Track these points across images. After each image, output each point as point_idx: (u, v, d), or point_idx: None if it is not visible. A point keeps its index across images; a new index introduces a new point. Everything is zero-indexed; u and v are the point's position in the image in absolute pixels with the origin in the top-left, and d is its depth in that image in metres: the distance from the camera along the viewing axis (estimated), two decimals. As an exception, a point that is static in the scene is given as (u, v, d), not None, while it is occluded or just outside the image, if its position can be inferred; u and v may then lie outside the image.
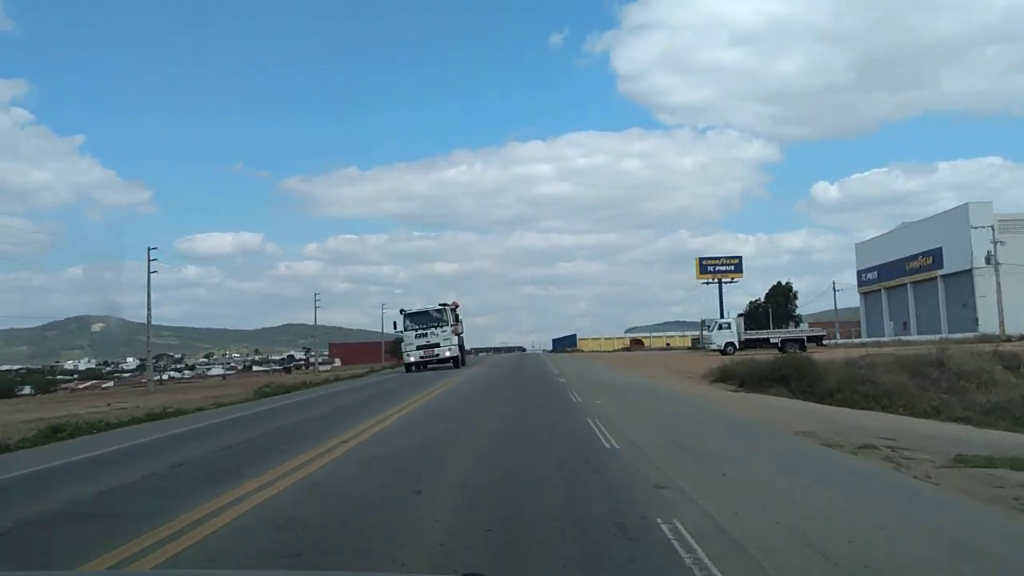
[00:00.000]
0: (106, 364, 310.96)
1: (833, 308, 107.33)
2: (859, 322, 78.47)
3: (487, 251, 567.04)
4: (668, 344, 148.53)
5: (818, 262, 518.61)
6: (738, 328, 50.33)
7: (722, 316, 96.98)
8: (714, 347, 49.81)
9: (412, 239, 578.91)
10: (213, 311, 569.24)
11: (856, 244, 77.64)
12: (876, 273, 72.79)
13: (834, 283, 79.40)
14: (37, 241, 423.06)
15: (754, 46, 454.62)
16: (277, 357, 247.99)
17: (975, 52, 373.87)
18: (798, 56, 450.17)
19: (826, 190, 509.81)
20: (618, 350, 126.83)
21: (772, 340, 48.68)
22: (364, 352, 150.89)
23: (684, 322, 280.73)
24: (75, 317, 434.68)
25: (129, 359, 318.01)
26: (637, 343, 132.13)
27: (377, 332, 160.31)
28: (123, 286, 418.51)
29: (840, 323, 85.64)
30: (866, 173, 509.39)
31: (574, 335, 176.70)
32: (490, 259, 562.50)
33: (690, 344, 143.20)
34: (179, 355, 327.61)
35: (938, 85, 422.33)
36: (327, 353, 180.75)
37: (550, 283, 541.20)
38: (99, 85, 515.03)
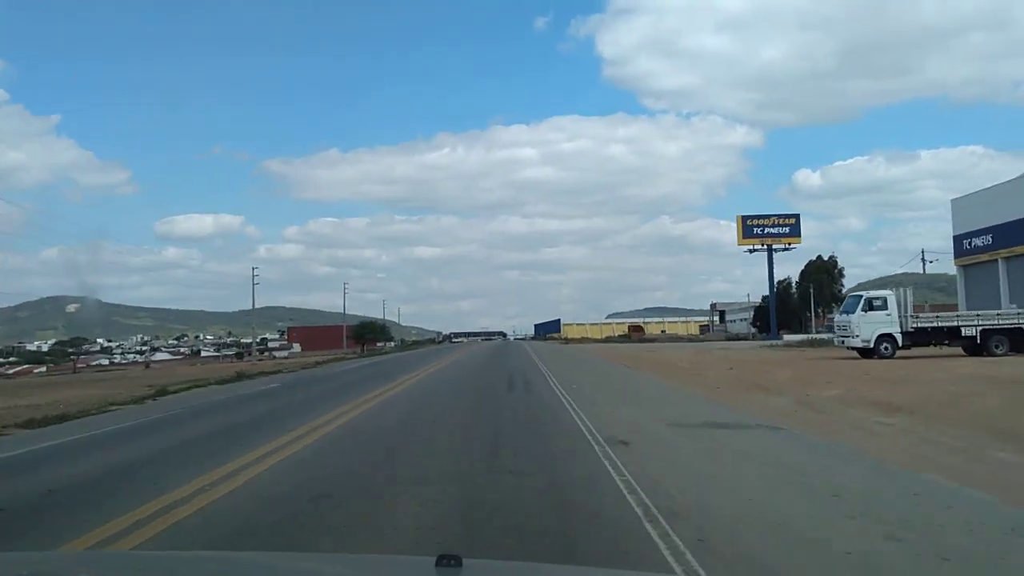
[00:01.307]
0: (70, 345, 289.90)
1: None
2: (955, 305, 56.26)
3: (470, 235, 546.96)
4: (664, 331, 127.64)
5: (801, 249, 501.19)
6: (902, 308, 26.36)
7: (773, 291, 73.24)
8: (858, 343, 26.29)
9: (394, 222, 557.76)
10: (193, 292, 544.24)
11: (952, 200, 55.26)
12: (989, 237, 50.37)
13: (923, 252, 57.89)
14: (12, 221, 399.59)
15: (739, 31, 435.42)
16: (247, 340, 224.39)
17: (959, 39, 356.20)
18: (783, 42, 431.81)
19: (808, 177, 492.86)
20: (614, 338, 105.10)
21: (965, 331, 25.64)
22: (325, 336, 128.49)
23: (666, 308, 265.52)
24: (49, 298, 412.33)
25: (99, 340, 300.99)
26: (637, 330, 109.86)
27: (357, 316, 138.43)
28: (100, 267, 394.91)
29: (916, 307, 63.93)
30: (848, 160, 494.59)
31: (558, 320, 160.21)
32: (473, 243, 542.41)
33: (698, 331, 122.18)
34: (148, 336, 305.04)
35: (922, 72, 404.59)
36: (286, 337, 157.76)
37: (534, 268, 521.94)
38: (76, 66, 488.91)
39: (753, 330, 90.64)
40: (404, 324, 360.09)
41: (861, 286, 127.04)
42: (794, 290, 77.17)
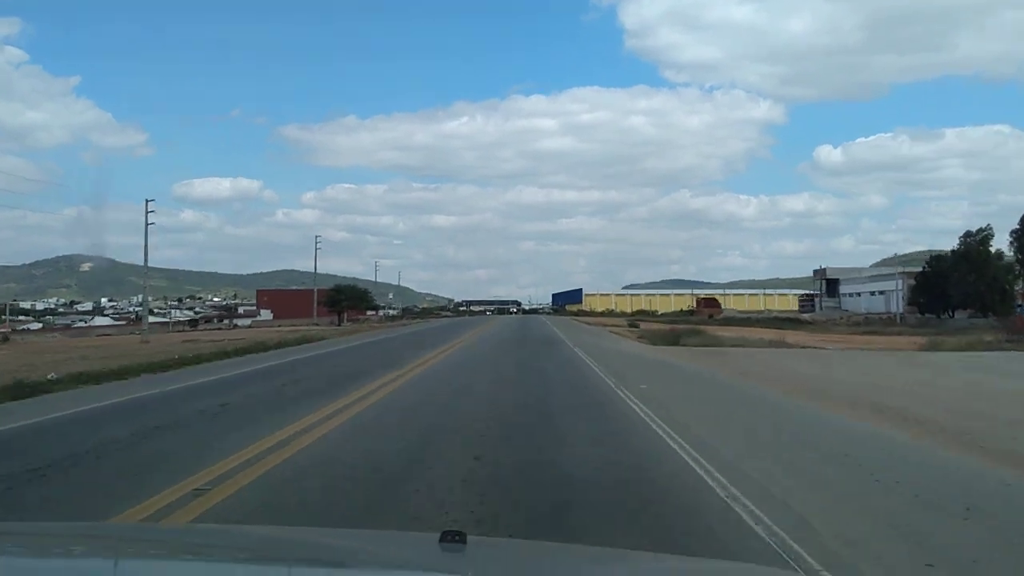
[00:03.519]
0: (70, 304, 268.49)
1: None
2: None
3: (487, 204, 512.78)
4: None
5: (820, 226, 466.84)
6: None
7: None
8: None
9: (411, 190, 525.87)
10: (212, 256, 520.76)
11: None
12: None
13: None
14: (31, 180, 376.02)
15: (764, 2, 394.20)
16: (251, 304, 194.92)
17: (991, 15, 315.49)
18: (808, 14, 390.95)
19: (829, 153, 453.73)
20: (681, 313, 72.37)
21: None
22: (299, 301, 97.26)
23: (682, 280, 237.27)
24: (64, 256, 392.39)
25: (103, 299, 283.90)
26: (711, 304, 75.94)
27: (375, 283, 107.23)
28: (116, 227, 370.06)
29: None
30: (871, 137, 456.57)
31: (579, 290, 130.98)
32: (490, 212, 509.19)
33: (798, 307, 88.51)
34: (153, 297, 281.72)
35: (951, 48, 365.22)
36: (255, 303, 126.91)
37: (549, 239, 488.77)
38: (94, 26, 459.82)
39: (902, 310, 57.04)
40: (419, 291, 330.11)
41: (885, 263, 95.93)
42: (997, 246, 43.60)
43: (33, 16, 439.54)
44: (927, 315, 52.62)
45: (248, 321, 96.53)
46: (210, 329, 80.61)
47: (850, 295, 71.18)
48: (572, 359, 20.10)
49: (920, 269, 52.53)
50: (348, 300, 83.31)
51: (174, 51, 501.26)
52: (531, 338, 32.09)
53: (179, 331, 77.05)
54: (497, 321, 65.22)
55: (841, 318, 57.24)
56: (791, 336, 32.02)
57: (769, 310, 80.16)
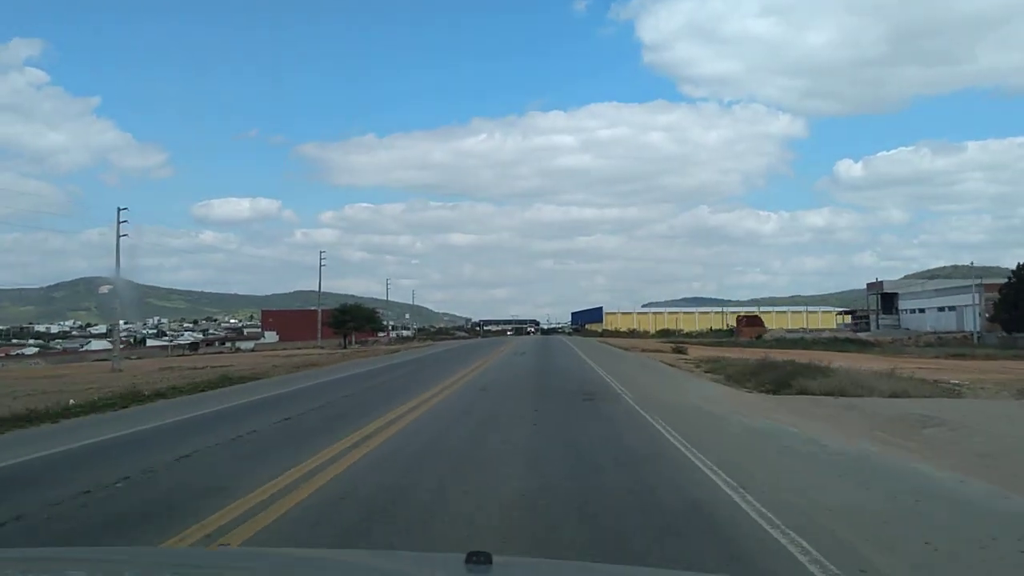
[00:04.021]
0: (84, 327, 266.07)
1: None
2: None
3: (505, 223, 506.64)
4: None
5: (841, 241, 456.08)
6: None
7: None
8: None
9: (429, 209, 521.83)
10: (232, 277, 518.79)
11: None
12: None
13: None
14: (53, 202, 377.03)
15: (784, 16, 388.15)
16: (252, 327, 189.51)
17: (1014, 26, 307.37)
18: (830, 27, 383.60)
19: (850, 168, 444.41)
20: (712, 332, 64.87)
21: None
22: (303, 323, 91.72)
23: (702, 298, 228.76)
24: (83, 278, 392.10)
25: (121, 322, 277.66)
26: (754, 323, 67.99)
27: (386, 301, 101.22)
28: (136, 249, 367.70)
29: None
30: (892, 151, 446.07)
31: (600, 308, 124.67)
32: (508, 231, 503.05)
33: (843, 324, 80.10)
34: (166, 319, 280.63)
35: (973, 60, 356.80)
36: (260, 325, 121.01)
37: (568, 257, 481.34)
38: (114, 47, 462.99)
39: (979, 328, 49.34)
40: (436, 310, 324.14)
41: (907, 279, 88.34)
42: None
43: (53, 37, 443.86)
44: (1014, 333, 44.98)
45: (252, 344, 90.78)
46: (210, 353, 74.68)
47: (911, 311, 63.13)
48: (665, 457, 8.23)
49: (1006, 280, 45.03)
50: (354, 321, 76.76)
51: (193, 71, 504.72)
52: (558, 378, 21.04)
53: (177, 355, 71.23)
54: (512, 344, 57.99)
55: (908, 338, 49.68)
56: (879, 364, 24.71)
57: (809, 329, 72.51)
